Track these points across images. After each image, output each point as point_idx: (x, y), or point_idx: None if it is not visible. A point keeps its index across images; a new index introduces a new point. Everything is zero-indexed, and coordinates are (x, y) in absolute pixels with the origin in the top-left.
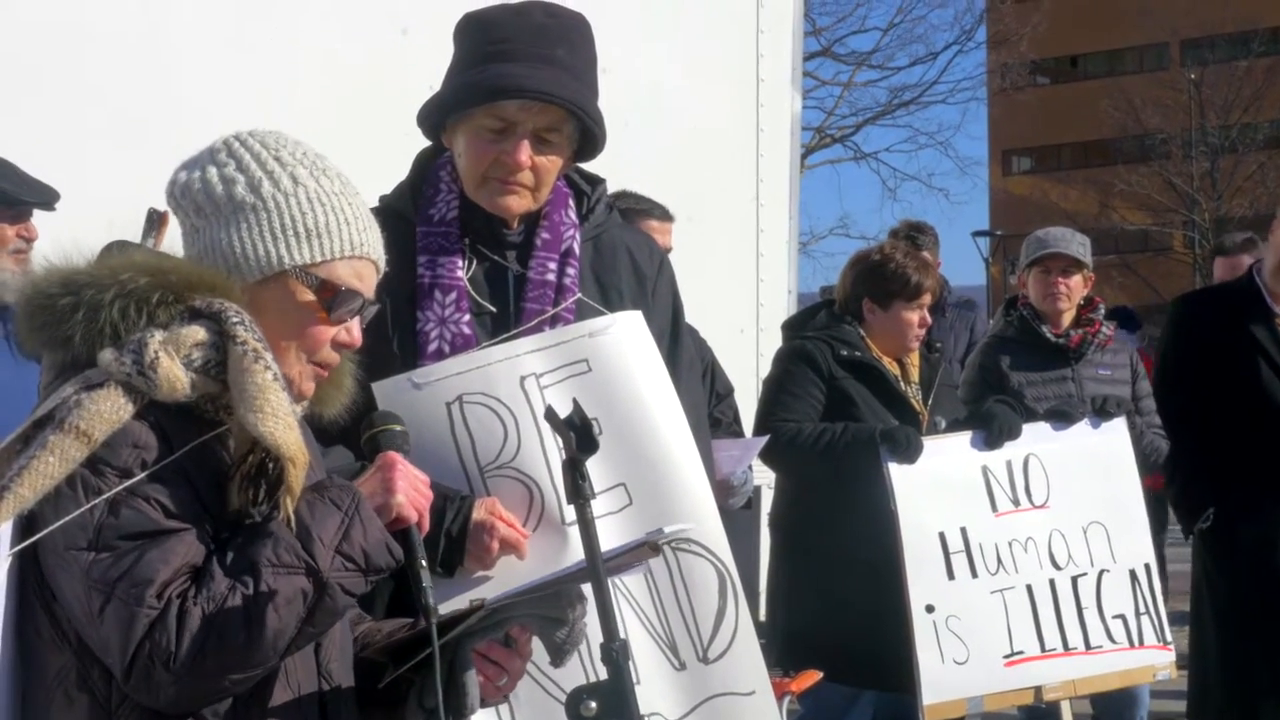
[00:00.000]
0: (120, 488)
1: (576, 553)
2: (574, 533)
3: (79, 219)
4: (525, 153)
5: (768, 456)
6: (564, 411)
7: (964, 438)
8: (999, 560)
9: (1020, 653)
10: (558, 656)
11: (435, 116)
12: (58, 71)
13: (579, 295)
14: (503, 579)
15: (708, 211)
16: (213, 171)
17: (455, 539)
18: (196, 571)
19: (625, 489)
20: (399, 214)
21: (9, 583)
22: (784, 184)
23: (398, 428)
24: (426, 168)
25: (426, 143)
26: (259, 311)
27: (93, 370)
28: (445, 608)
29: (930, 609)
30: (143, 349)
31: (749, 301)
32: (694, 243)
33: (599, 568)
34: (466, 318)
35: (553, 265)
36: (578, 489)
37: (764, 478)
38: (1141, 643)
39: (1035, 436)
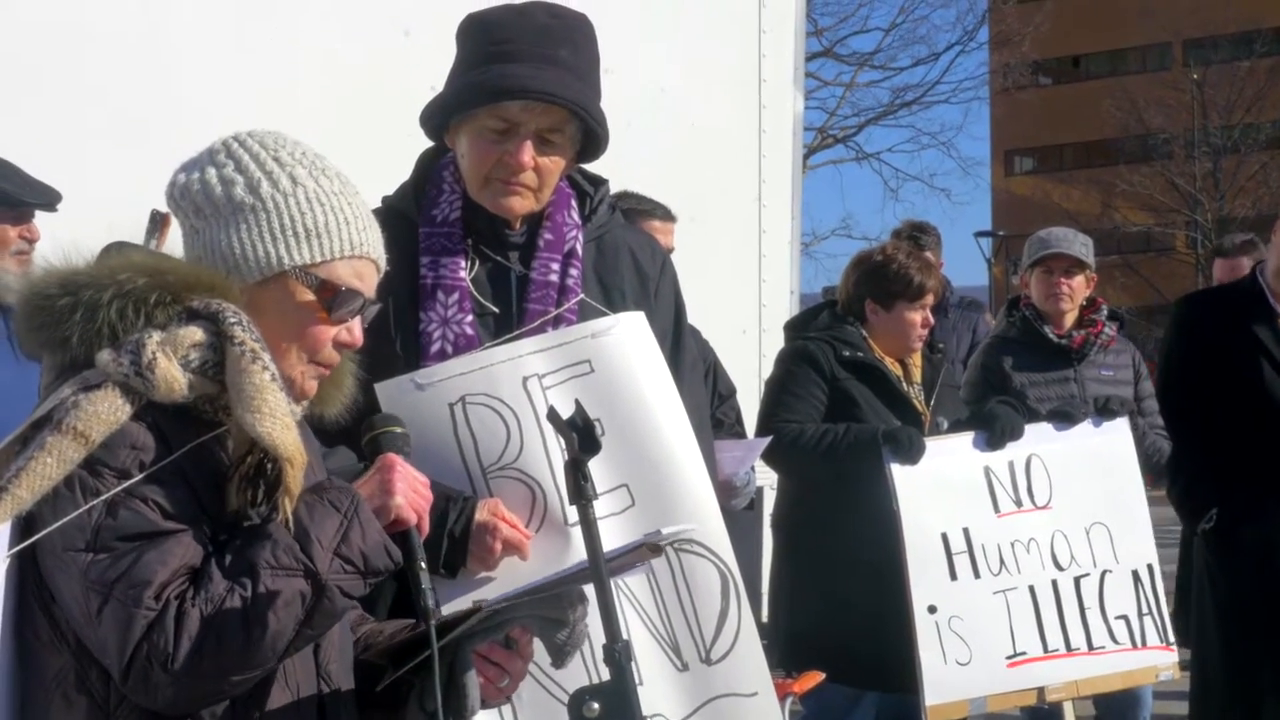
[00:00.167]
0: (118, 489)
1: (579, 553)
2: (576, 533)
3: (79, 220)
4: (528, 153)
5: (770, 457)
6: (566, 412)
7: (966, 438)
8: (1001, 561)
9: (1023, 653)
10: (559, 658)
11: (438, 117)
12: (58, 72)
13: (581, 296)
14: (505, 580)
15: (710, 212)
16: (212, 173)
17: (458, 540)
18: (195, 573)
19: (628, 490)
20: (402, 215)
21: (8, 584)
22: (786, 184)
23: (398, 429)
24: (429, 168)
25: (429, 143)
26: (259, 312)
27: (90, 371)
28: (448, 609)
29: (933, 610)
30: (140, 350)
31: (751, 302)
32: (696, 243)
33: (602, 569)
34: (469, 318)
35: (555, 266)
36: (580, 490)
37: (766, 479)
38: (1144, 643)
39: (1037, 437)
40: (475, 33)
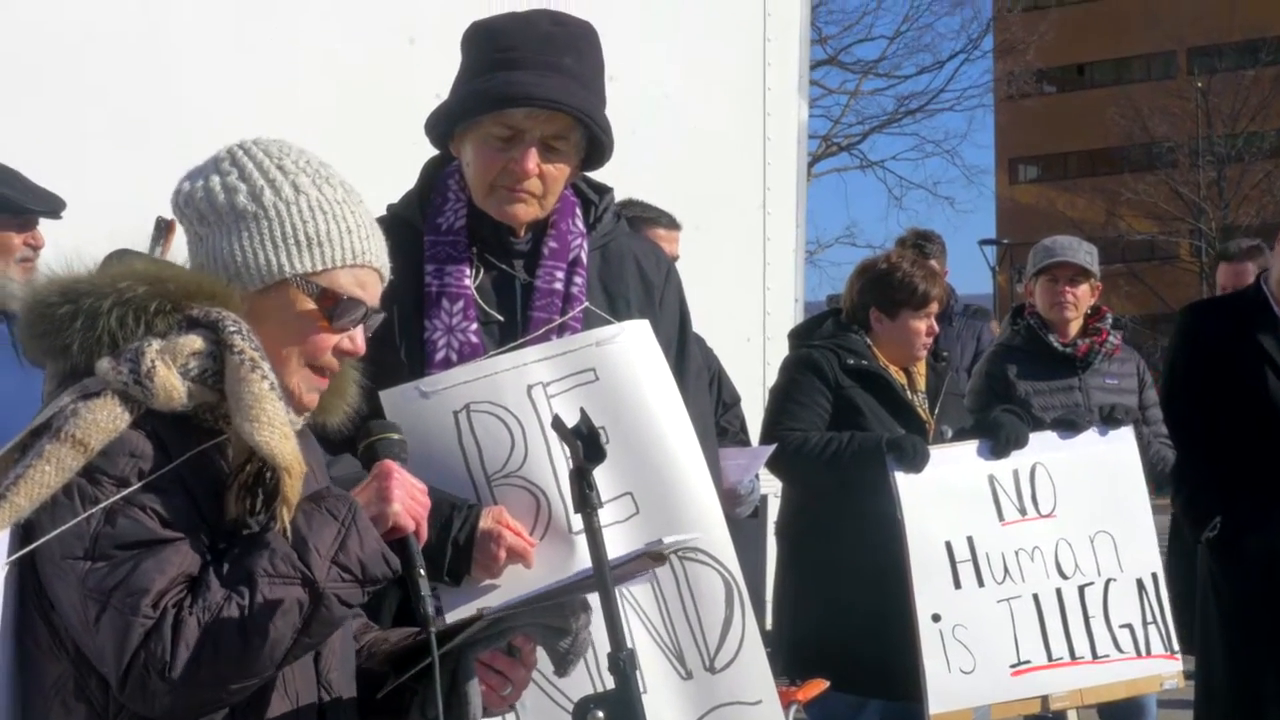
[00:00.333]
0: (117, 497)
1: (583, 561)
2: (581, 541)
3: (80, 224)
4: (533, 160)
5: (774, 465)
6: (571, 421)
7: (970, 447)
8: (1005, 569)
9: (1027, 662)
10: (562, 666)
11: (443, 125)
12: (58, 74)
13: (586, 304)
14: (510, 588)
15: (714, 220)
16: (216, 180)
17: (462, 547)
18: (193, 581)
19: (632, 498)
20: (407, 223)
21: (7, 591)
22: (790, 192)
23: (395, 436)
24: (434, 177)
25: (434, 151)
26: (260, 320)
27: (90, 379)
28: (452, 616)
29: (936, 618)
30: (139, 358)
31: (755, 310)
32: (701, 251)
33: (606, 577)
34: (474, 326)
35: (560, 274)
36: (585, 498)
37: (771, 486)
38: (1149, 652)
39: (1042, 445)
40: (480, 41)
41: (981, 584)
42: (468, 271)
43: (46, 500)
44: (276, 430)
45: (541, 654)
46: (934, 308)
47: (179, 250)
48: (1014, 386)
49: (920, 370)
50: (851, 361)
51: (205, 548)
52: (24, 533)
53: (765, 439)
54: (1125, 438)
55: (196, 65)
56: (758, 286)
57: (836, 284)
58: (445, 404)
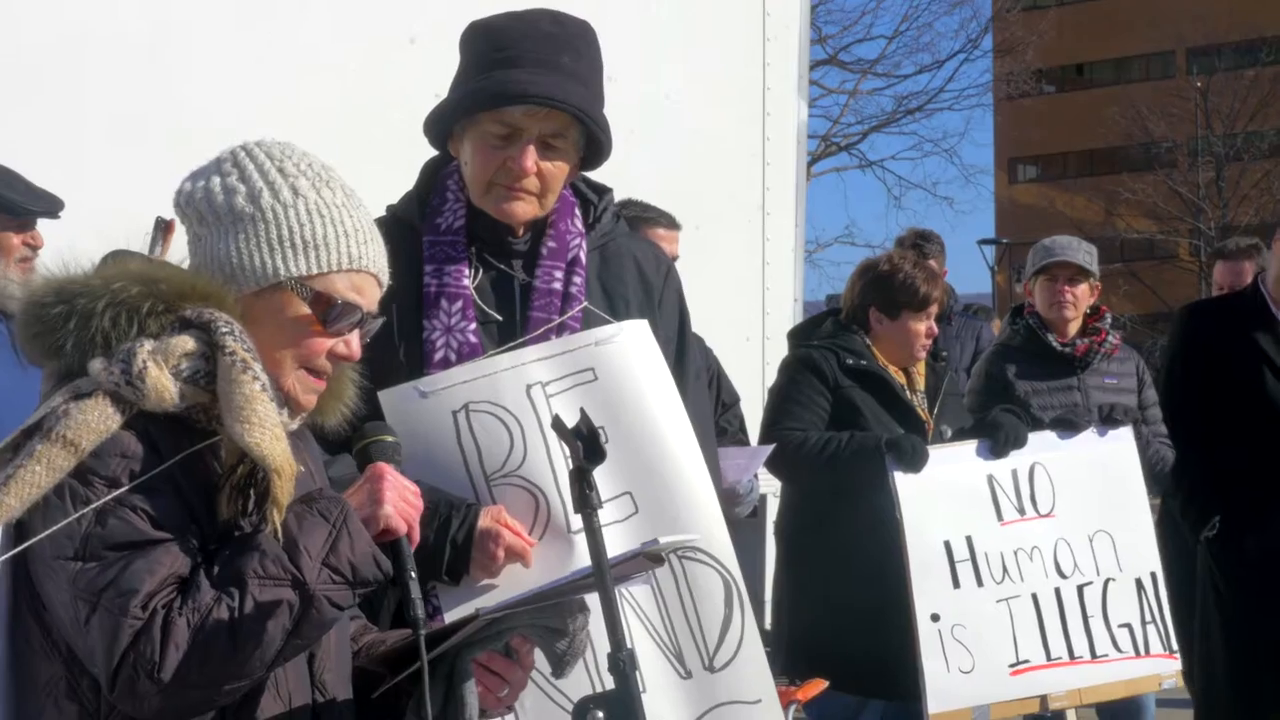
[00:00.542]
0: (108, 498)
1: (582, 561)
2: (580, 541)
3: (81, 224)
4: (531, 158)
5: (773, 465)
6: (570, 420)
7: (969, 446)
8: (1004, 569)
9: (1026, 661)
10: (559, 667)
11: (441, 124)
12: (58, 75)
13: (585, 304)
14: (508, 587)
15: (714, 220)
16: (216, 181)
17: (460, 547)
18: (183, 582)
19: (631, 498)
20: (406, 223)
21: (0, 592)
22: (790, 192)
23: (389, 438)
24: (433, 177)
25: (433, 151)
26: (255, 322)
27: (82, 379)
28: (450, 616)
29: (935, 618)
30: (131, 359)
31: (755, 310)
32: (700, 251)
33: (606, 577)
34: (473, 326)
35: (559, 274)
36: (585, 498)
37: (770, 486)
38: (1148, 651)
39: (1041, 445)
40: (478, 40)
41: (980, 584)
42: (466, 271)
43: (38, 500)
44: (267, 432)
45: (540, 655)
46: (934, 309)
47: (178, 250)
48: (1013, 386)
49: (919, 370)
50: (850, 361)
51: (196, 549)
52: (16, 533)
53: (764, 439)
54: (1124, 437)
55: (196, 65)
56: (757, 286)
57: (836, 284)
58: (444, 404)
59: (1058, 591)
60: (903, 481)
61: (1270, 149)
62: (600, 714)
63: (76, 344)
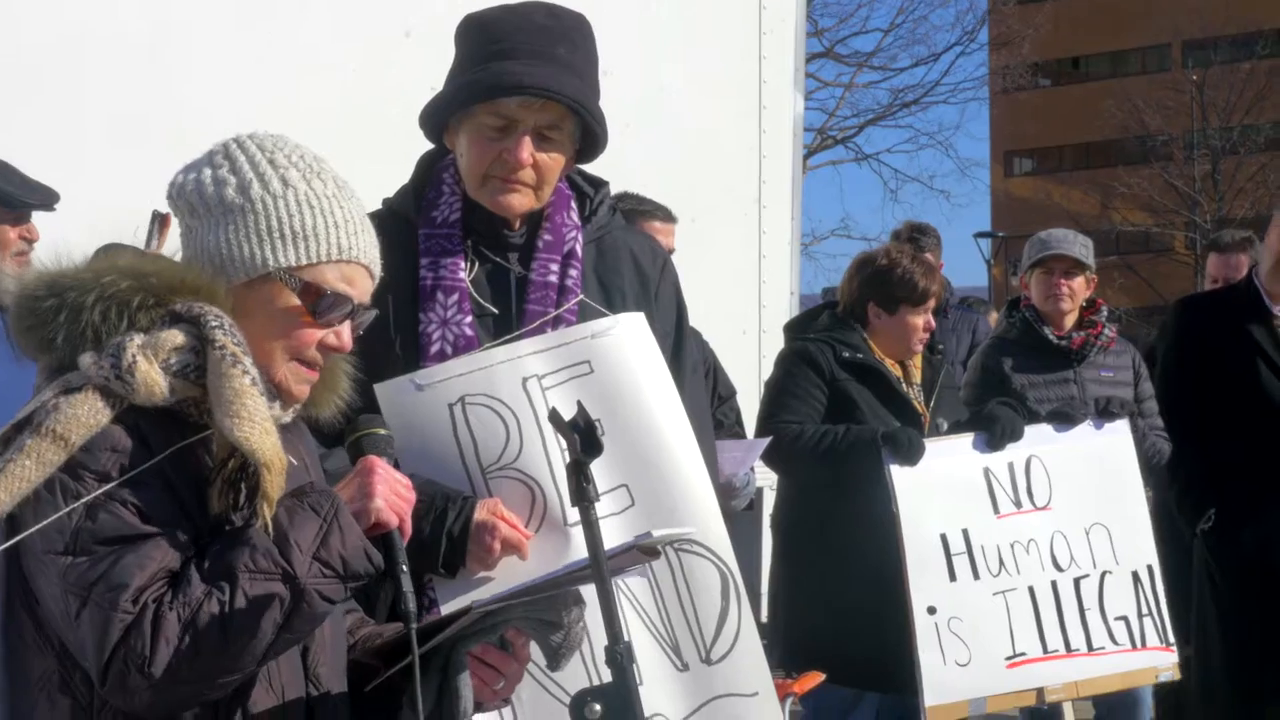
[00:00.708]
0: (98, 492)
1: (578, 553)
2: (576, 533)
3: (82, 222)
4: (526, 150)
5: (770, 458)
6: (567, 413)
7: (966, 439)
8: (1001, 562)
9: (1022, 654)
10: (554, 660)
11: (437, 116)
12: (58, 75)
13: (581, 297)
14: (504, 580)
15: (710, 213)
16: (207, 173)
17: (457, 540)
18: (174, 576)
19: (627, 490)
20: (402, 216)
21: None
22: (786, 185)
23: (381, 431)
24: (429, 170)
25: (429, 145)
26: (245, 313)
27: (72, 374)
28: (446, 608)
29: (932, 610)
30: (121, 353)
31: (751, 303)
32: (696, 244)
33: (604, 570)
34: (469, 319)
35: (555, 267)
36: (582, 491)
37: (766, 479)
38: (1144, 644)
39: (1037, 438)
40: (473, 33)
41: (977, 576)
42: (462, 264)
43: (29, 495)
44: (257, 426)
45: (536, 648)
46: (932, 304)
47: (175, 243)
48: (1009, 379)
49: (916, 363)
50: (847, 354)
51: (187, 543)
52: (8, 528)
53: (760, 432)
54: (1121, 430)
55: (193, 59)
56: (753, 279)
57: (832, 276)
58: (440, 396)
59: (1054, 584)
60: (899, 475)
61: (1266, 142)
62: (597, 707)
63: (67, 338)
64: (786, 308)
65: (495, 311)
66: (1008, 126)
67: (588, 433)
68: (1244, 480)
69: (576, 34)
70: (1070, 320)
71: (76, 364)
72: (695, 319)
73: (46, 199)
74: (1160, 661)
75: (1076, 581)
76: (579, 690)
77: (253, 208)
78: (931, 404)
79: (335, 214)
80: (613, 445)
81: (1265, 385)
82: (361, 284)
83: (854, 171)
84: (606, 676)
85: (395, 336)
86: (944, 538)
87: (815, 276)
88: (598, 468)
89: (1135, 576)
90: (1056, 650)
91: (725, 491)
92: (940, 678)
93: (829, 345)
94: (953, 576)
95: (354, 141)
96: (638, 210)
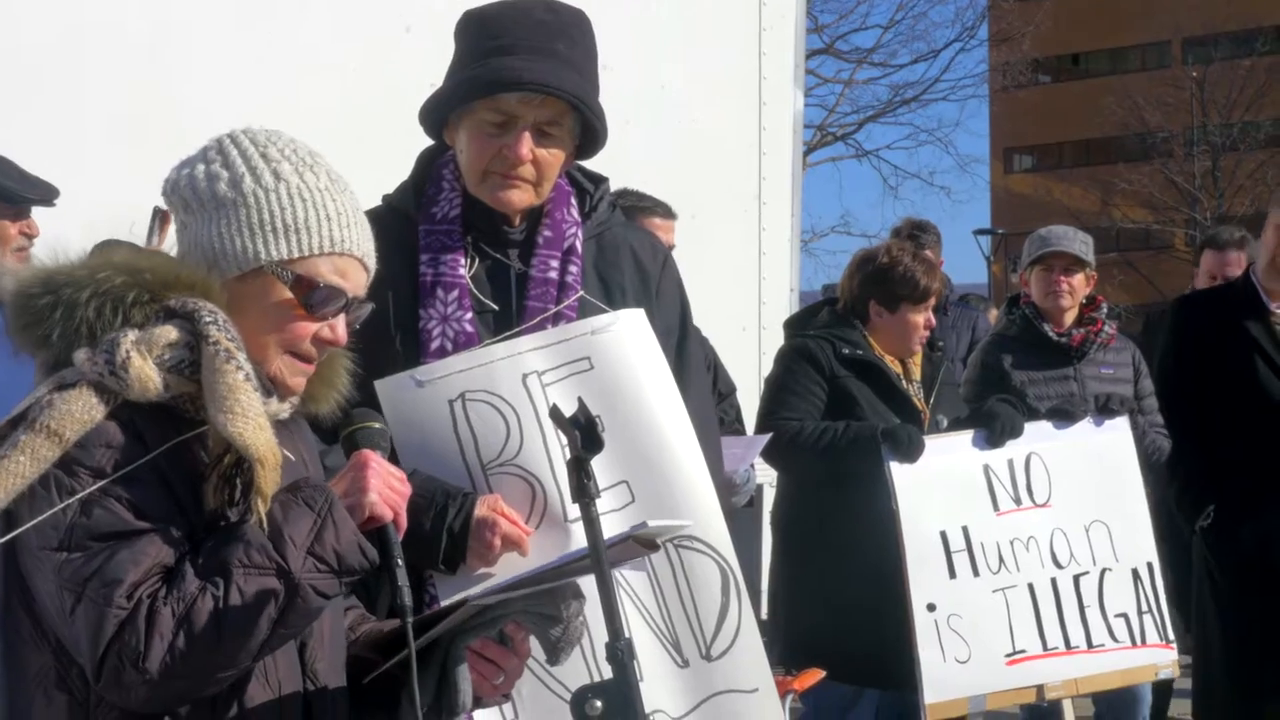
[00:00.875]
0: (92, 488)
1: (578, 548)
2: (576, 529)
3: (81, 219)
4: (526, 145)
5: (769, 455)
6: (567, 409)
7: (966, 436)
8: (1001, 559)
9: (1022, 651)
10: (553, 654)
11: (436, 113)
12: (58, 75)
13: (581, 293)
14: (505, 576)
15: (710, 209)
16: (201, 169)
17: (457, 536)
18: (168, 572)
19: (628, 486)
20: (402, 212)
21: None
22: (786, 182)
23: (375, 425)
24: (429, 166)
25: (429, 141)
26: (239, 308)
27: (67, 370)
28: (445, 603)
29: (932, 608)
30: (115, 349)
31: (751, 299)
32: (696, 240)
33: (604, 567)
34: (469, 315)
35: (555, 263)
36: (583, 487)
37: (766, 476)
38: (1144, 641)
39: (1037, 435)
40: (473, 28)
41: (977, 574)
42: (462, 261)
43: (24, 491)
44: (250, 421)
45: (536, 642)
46: (933, 302)
47: (175, 240)
48: (1009, 376)
49: (915, 360)
50: (847, 351)
51: (182, 539)
52: (5, 524)
53: (760, 428)
54: (1120, 427)
55: (192, 54)
56: (753, 276)
57: (831, 273)
58: (440, 393)
59: (1054, 581)
60: (899, 471)
61: (1266, 139)
62: (598, 703)
63: (63, 334)
64: (786, 304)
65: (495, 308)
66: (1007, 123)
67: (588, 429)
68: (1243, 477)
69: (576, 29)
70: (1070, 317)
71: (70, 360)
72: (695, 315)
73: (46, 194)
74: (1160, 659)
75: (1076, 579)
76: (580, 686)
77: (245, 201)
78: (931, 401)
79: (328, 207)
80: (613, 441)
81: (1263, 382)
82: (355, 277)
83: (854, 168)
84: (607, 673)
85: (395, 333)
86: (944, 535)
87: (815, 273)
88: (597, 464)
89: (1135, 574)
90: (1056, 647)
91: (725, 488)
92: (940, 675)
93: (829, 342)
94: (952, 573)
95: (354, 138)
96: (637, 206)
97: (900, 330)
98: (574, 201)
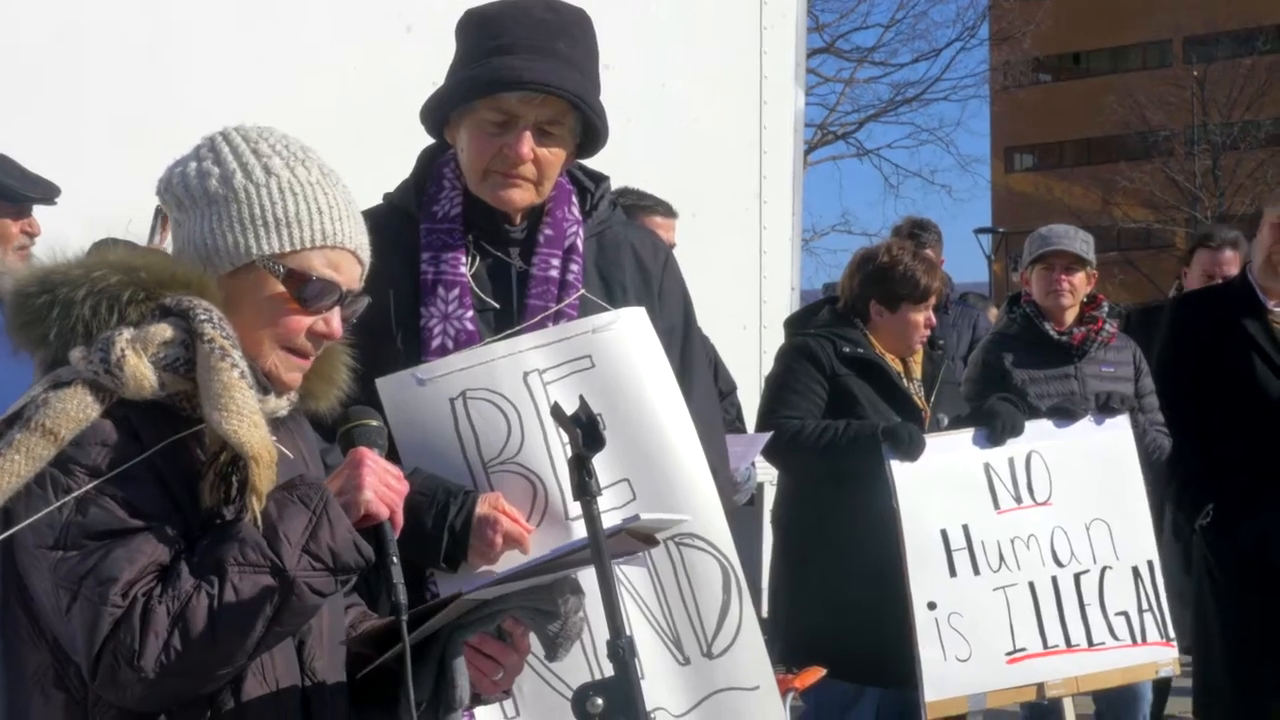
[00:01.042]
0: (88, 487)
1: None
2: (577, 527)
3: (81, 219)
4: (527, 145)
5: (770, 453)
6: (569, 407)
7: (966, 435)
8: (1001, 557)
9: (1023, 650)
10: (551, 650)
11: (437, 112)
12: (58, 75)
13: (582, 291)
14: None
15: (711, 208)
16: (193, 166)
17: (459, 534)
18: (164, 570)
19: (629, 484)
20: (403, 211)
21: None
22: (787, 181)
23: (372, 423)
24: (430, 165)
25: (430, 140)
26: (234, 303)
27: (63, 369)
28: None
29: (932, 606)
30: (110, 347)
31: (752, 298)
32: (697, 239)
33: (606, 565)
34: (470, 314)
35: (556, 261)
36: (584, 485)
37: (767, 475)
38: (1144, 639)
39: (1038, 433)
40: (473, 28)
41: (977, 572)
42: (463, 259)
43: (21, 490)
44: (245, 419)
45: (534, 641)
46: (933, 301)
47: None
48: (1010, 374)
49: (916, 358)
50: (847, 349)
51: (178, 537)
52: (3, 523)
53: (761, 427)
54: (1121, 426)
55: (193, 54)
56: (754, 275)
57: (832, 272)
58: (442, 391)
59: (1054, 580)
60: (899, 470)
61: (1267, 138)
62: (599, 701)
63: (59, 333)
64: (787, 303)
65: (496, 306)
66: (1008, 122)
67: (590, 427)
68: (1241, 475)
69: (577, 29)
70: (1071, 316)
71: (67, 359)
72: (696, 314)
73: (47, 193)
74: (1160, 656)
75: (1077, 577)
76: (581, 684)
77: (235, 197)
78: (932, 399)
79: (319, 200)
80: (614, 440)
81: (1261, 381)
82: (349, 270)
83: (854, 167)
84: (608, 670)
85: (397, 331)
86: (944, 533)
87: (816, 272)
88: (598, 462)
89: (1135, 572)
90: (1057, 645)
91: (727, 486)
92: (940, 673)
93: (829, 340)
94: (953, 572)
95: (354, 137)
96: (638, 205)
97: (901, 329)
98: (575, 200)
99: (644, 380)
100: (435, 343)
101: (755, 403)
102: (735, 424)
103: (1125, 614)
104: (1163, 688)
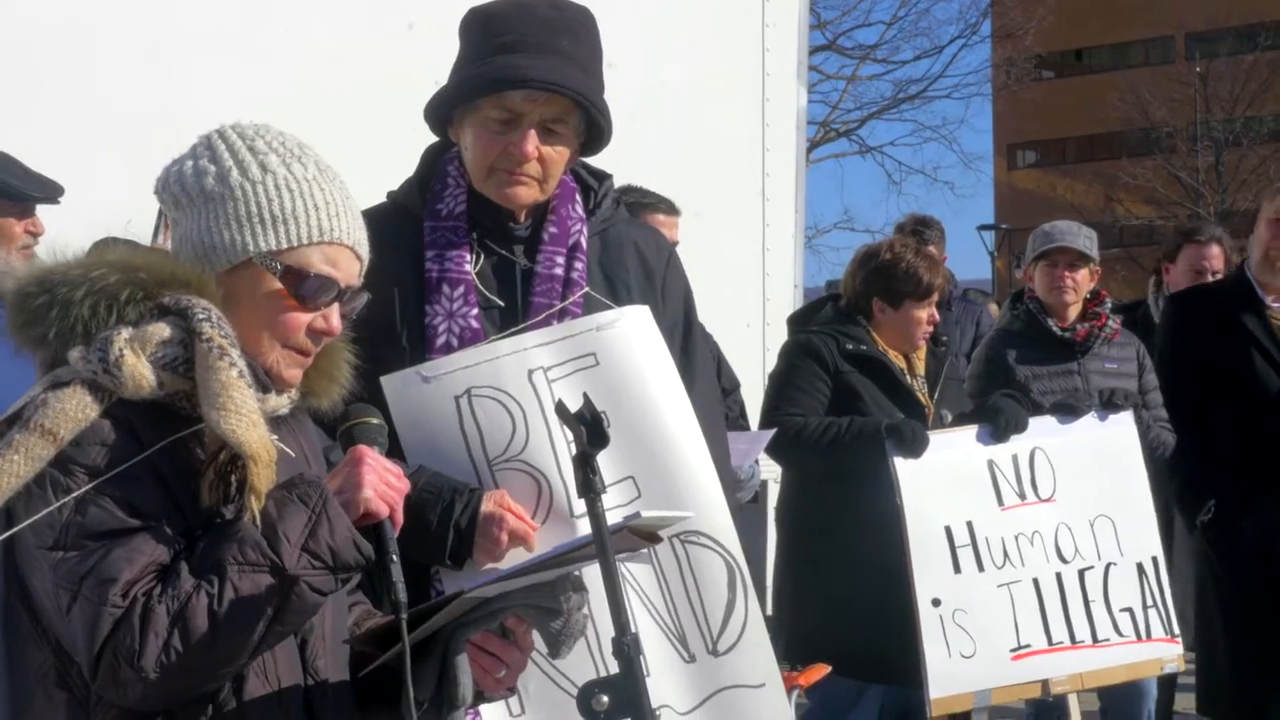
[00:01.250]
0: (87, 487)
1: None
2: (582, 524)
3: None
4: (532, 143)
5: (774, 450)
6: (573, 405)
7: (970, 431)
8: (1005, 554)
9: (1027, 646)
10: (554, 647)
11: (442, 110)
12: (60, 75)
13: (586, 289)
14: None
15: (714, 206)
16: (189, 164)
17: (464, 531)
18: (164, 570)
19: (634, 482)
20: (407, 209)
21: None
22: (789, 178)
23: (373, 421)
24: (434, 163)
25: (434, 138)
26: (233, 301)
27: (62, 369)
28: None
29: (937, 603)
30: (108, 346)
31: (755, 296)
32: (700, 237)
33: (611, 562)
34: (475, 312)
35: (560, 259)
36: (589, 483)
37: (770, 472)
38: (1149, 635)
39: (1041, 430)
40: (477, 26)
41: (981, 569)
42: (468, 257)
43: (21, 490)
44: (244, 418)
45: (538, 639)
46: (936, 298)
47: None
48: (1013, 371)
49: (919, 355)
50: (851, 346)
51: (178, 536)
52: (3, 523)
53: (764, 424)
54: (1125, 422)
55: (196, 53)
56: (757, 272)
57: (835, 269)
58: (446, 389)
59: (1059, 576)
60: (903, 467)
61: (1269, 134)
62: (605, 698)
63: (59, 333)
64: (790, 300)
65: (501, 304)
66: (1011, 119)
67: (594, 425)
68: (1242, 472)
69: (580, 27)
70: (1074, 312)
71: (66, 359)
72: (699, 312)
73: (50, 192)
74: (1165, 653)
75: (1081, 573)
76: (586, 682)
77: (232, 194)
78: (935, 396)
79: (315, 196)
80: (618, 437)
81: (1260, 377)
82: (347, 266)
83: (857, 164)
84: (614, 668)
85: (401, 329)
86: (948, 530)
87: (818, 269)
88: (603, 460)
89: (1140, 568)
90: (1061, 642)
91: (731, 484)
92: (945, 670)
93: (833, 337)
94: (957, 569)
95: (358, 135)
96: (641, 203)
97: (903, 326)
98: (579, 198)
99: (648, 378)
100: (440, 340)
101: (758, 400)
102: (738, 421)
103: (1130, 610)
104: (1170, 683)
